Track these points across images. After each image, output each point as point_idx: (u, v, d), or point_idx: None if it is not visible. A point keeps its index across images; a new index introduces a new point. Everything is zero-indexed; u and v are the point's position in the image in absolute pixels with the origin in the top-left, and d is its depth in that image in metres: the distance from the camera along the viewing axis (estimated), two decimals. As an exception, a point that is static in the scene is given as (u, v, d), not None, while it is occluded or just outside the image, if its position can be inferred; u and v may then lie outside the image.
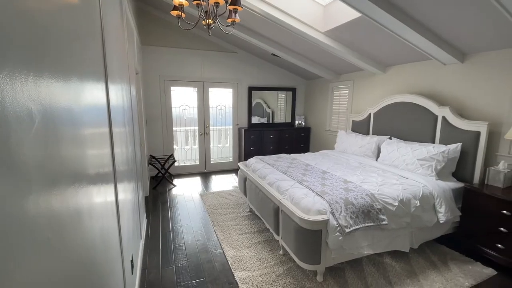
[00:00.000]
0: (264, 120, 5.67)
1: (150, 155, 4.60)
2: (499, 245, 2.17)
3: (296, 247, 1.98)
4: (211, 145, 5.36)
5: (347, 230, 1.88)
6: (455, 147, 2.67)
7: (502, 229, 2.15)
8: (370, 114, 3.94)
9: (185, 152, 5.36)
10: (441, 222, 2.35)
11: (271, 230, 2.44)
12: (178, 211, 3.39)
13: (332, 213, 1.93)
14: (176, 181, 4.67)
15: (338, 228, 1.88)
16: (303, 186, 2.34)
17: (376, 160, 3.37)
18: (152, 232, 2.83)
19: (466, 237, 2.43)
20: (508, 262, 2.11)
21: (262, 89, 5.50)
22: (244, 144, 5.20)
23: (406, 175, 2.70)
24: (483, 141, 2.57)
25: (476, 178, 2.63)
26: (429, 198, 2.37)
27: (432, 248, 2.50)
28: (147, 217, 3.19)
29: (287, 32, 3.50)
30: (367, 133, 3.97)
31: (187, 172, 5.21)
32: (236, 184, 4.48)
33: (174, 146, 5.10)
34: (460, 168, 2.73)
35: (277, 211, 2.29)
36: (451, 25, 2.42)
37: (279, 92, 5.71)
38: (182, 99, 5.01)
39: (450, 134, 2.84)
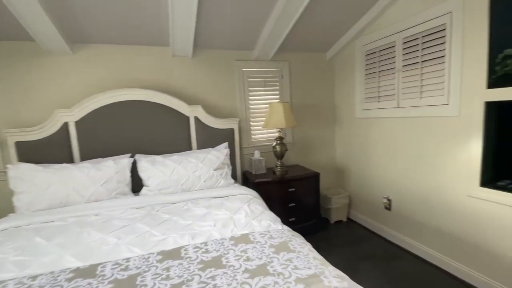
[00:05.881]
0: None
1: None
2: (292, 219, 2.56)
3: None
4: None
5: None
6: (225, 147, 2.50)
7: (291, 204, 2.55)
8: (66, 124, 2.19)
9: None
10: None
11: None
12: None
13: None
14: None
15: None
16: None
17: (138, 194, 2.09)
18: None
19: (265, 228, 2.51)
20: (302, 227, 2.59)
21: None
22: None
23: (221, 193, 2.05)
24: (237, 137, 2.69)
25: (239, 173, 2.73)
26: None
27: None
28: None
29: None
30: (69, 159, 2.19)
31: None
32: None
33: None
34: (224, 168, 2.63)
35: None
36: None
37: None
38: None
39: (206, 135, 2.56)
